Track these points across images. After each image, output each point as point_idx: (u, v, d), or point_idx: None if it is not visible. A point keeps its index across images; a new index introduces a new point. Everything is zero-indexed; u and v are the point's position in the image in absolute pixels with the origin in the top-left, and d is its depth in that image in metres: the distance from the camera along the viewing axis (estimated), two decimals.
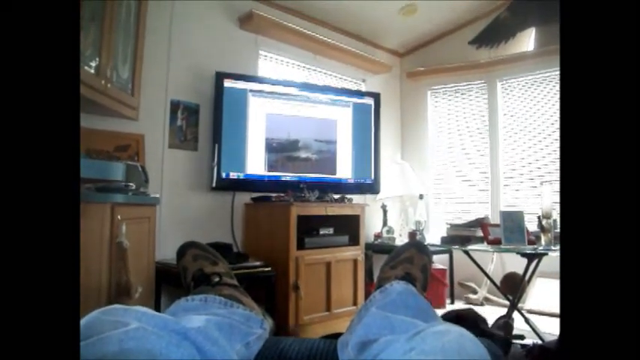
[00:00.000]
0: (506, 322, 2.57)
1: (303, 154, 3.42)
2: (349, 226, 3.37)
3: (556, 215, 2.72)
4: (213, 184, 3.07)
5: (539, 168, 3.94)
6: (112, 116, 2.56)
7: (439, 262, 4.05)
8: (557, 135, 3.86)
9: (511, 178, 4.16)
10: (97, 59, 2.15)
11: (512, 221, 2.73)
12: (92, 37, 2.11)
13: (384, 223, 4.14)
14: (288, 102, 3.39)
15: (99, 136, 2.59)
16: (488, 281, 3.46)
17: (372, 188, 3.77)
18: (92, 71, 2.12)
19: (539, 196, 3.37)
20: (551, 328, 2.87)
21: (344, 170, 3.59)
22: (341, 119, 3.62)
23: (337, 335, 0.92)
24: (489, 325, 2.21)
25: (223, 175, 3.09)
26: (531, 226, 2.92)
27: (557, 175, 3.79)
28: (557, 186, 3.16)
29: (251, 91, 3.23)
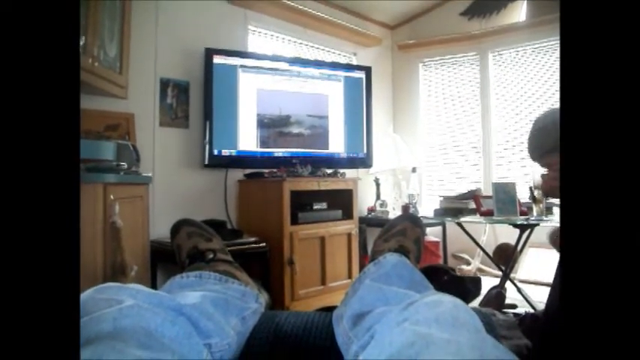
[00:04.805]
0: (498, 292, 2.61)
1: (295, 130, 3.40)
2: (342, 201, 3.38)
3: None
4: (206, 162, 3.06)
5: None
6: (101, 95, 2.52)
7: (432, 234, 4.09)
8: (548, 106, 3.86)
9: (502, 152, 4.17)
10: (84, 37, 2.11)
11: (505, 192, 2.74)
12: None
13: (377, 197, 4.15)
14: (279, 77, 3.36)
15: (88, 115, 2.56)
16: (481, 252, 3.50)
17: (365, 162, 3.78)
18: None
19: (530, 167, 3.38)
20: (542, 297, 2.91)
21: (336, 145, 3.59)
22: (332, 93, 3.59)
23: (332, 308, 0.93)
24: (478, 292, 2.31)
25: (215, 152, 3.07)
26: (523, 197, 2.94)
27: None
28: None
29: (241, 66, 3.19)
